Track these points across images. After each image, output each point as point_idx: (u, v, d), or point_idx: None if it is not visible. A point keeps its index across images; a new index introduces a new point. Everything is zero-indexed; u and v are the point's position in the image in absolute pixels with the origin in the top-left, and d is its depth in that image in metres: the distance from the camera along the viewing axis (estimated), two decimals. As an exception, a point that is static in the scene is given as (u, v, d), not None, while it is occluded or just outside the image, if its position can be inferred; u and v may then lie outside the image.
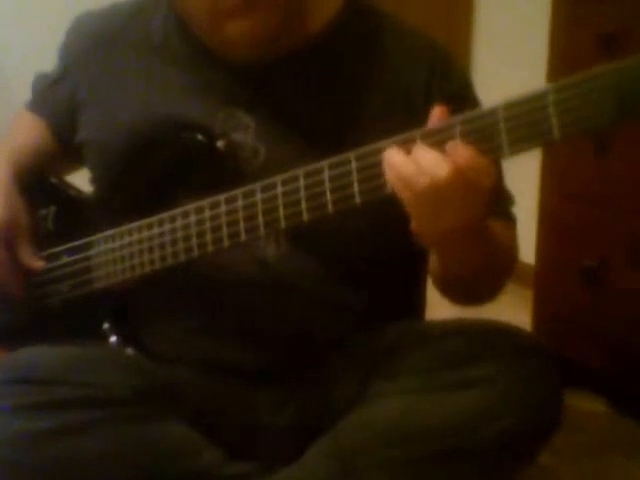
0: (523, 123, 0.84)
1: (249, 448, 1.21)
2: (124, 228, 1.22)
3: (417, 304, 1.36)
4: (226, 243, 1.10)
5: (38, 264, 1.30)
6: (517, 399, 1.03)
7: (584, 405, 1.84)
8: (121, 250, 1.22)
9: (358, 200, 0.98)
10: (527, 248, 2.02)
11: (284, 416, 1.23)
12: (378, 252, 1.20)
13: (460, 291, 1.18)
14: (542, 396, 1.05)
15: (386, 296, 1.24)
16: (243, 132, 1.20)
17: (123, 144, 1.24)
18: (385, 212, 1.14)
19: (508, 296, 2.07)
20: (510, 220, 1.26)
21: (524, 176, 2.05)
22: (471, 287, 1.16)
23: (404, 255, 1.23)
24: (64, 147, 1.40)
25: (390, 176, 0.94)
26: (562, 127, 0.80)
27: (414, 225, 0.97)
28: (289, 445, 1.19)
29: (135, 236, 1.20)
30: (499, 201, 1.23)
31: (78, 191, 1.39)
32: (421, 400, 1.05)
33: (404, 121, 0.98)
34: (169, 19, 1.28)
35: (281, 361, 1.21)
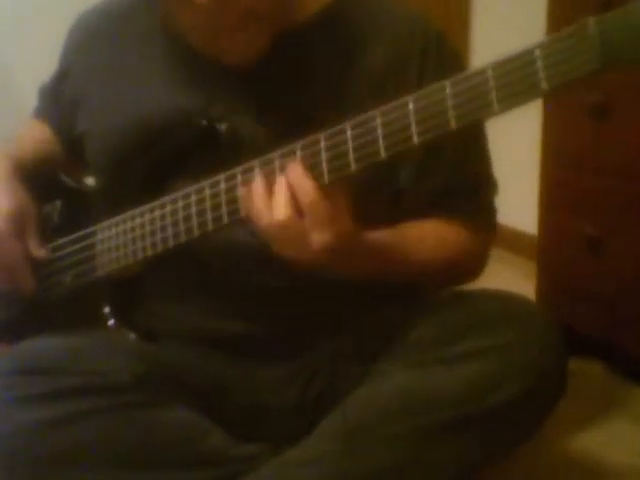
0: (512, 79, 0.85)
1: (254, 430, 1.22)
2: (126, 215, 1.23)
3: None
4: (225, 220, 1.10)
5: (45, 253, 1.30)
6: (521, 368, 1.04)
7: (588, 372, 1.84)
8: (124, 236, 1.23)
9: (353, 168, 0.98)
10: (530, 219, 2.03)
11: (288, 396, 1.24)
12: (366, 221, 1.20)
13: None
14: (546, 364, 1.05)
15: None
16: (238, 118, 1.21)
17: (124, 132, 1.26)
18: (369, 184, 1.17)
19: (512, 268, 2.09)
20: (477, 215, 1.26)
21: (525, 149, 2.06)
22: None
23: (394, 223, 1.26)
24: (70, 147, 1.42)
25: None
26: (550, 79, 0.82)
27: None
28: (294, 426, 1.20)
29: (137, 221, 1.22)
30: (468, 194, 1.24)
31: (82, 184, 1.40)
32: (425, 373, 1.06)
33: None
34: None
35: (282, 334, 1.23)
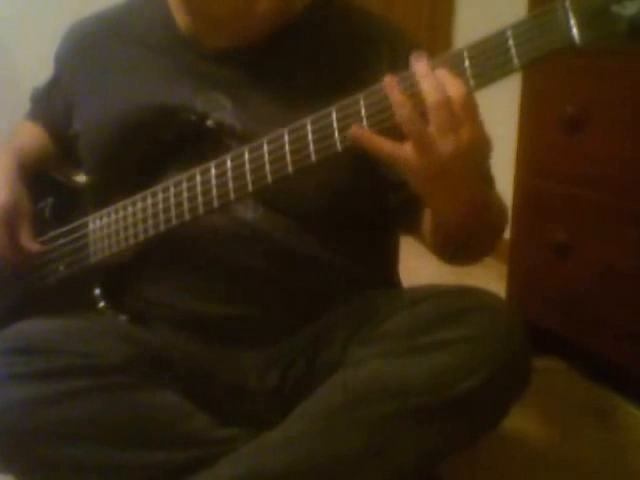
0: (486, 58, 0.92)
1: (235, 413, 1.25)
2: (117, 204, 1.28)
3: (392, 267, 1.42)
4: (216, 204, 1.16)
5: (36, 247, 1.34)
6: (487, 358, 1.06)
7: (553, 370, 1.88)
8: (116, 224, 1.28)
9: (339, 148, 1.04)
10: (505, 224, 2.08)
11: (269, 380, 1.27)
12: (345, 211, 1.26)
13: (453, 248, 1.22)
14: (511, 355, 1.08)
15: (362, 257, 1.30)
16: (221, 111, 1.26)
17: (114, 128, 1.31)
18: (350, 172, 1.22)
19: (485, 270, 2.13)
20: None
21: (500, 156, 2.10)
22: (465, 242, 1.19)
23: (374, 215, 1.31)
24: (63, 148, 1.46)
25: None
26: (520, 56, 0.89)
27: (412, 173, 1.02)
28: (273, 410, 1.24)
29: (129, 209, 1.26)
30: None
31: (74, 181, 1.45)
32: (398, 361, 1.09)
33: None
34: (155, 14, 1.36)
35: (265, 317, 1.27)
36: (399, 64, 1.20)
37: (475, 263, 1.28)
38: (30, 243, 1.34)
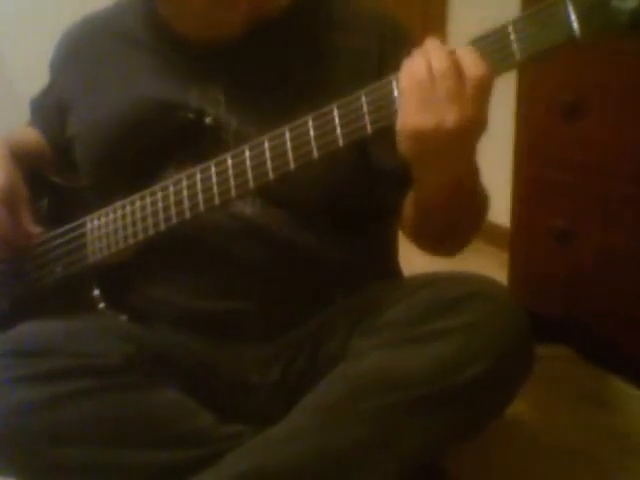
0: (488, 52, 0.93)
1: (238, 410, 1.25)
2: (116, 204, 1.27)
3: (392, 257, 1.42)
4: (217, 201, 1.15)
5: (36, 230, 1.33)
6: (489, 345, 1.06)
7: (556, 357, 1.88)
8: (114, 223, 1.27)
9: (341, 143, 1.04)
10: (504, 212, 2.09)
11: (271, 375, 1.27)
12: (343, 203, 1.26)
13: (433, 232, 1.22)
14: (514, 341, 1.08)
15: (361, 248, 1.30)
16: (215, 107, 1.26)
17: (111, 128, 1.30)
18: (348, 165, 1.22)
19: (486, 258, 2.14)
20: None
21: (499, 143, 2.11)
22: (445, 228, 1.19)
23: (372, 206, 1.31)
24: (59, 153, 1.45)
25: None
26: (522, 50, 0.90)
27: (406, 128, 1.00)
28: (276, 405, 1.23)
29: (128, 208, 1.26)
30: None
31: (71, 182, 1.44)
32: (397, 352, 1.08)
33: (362, 87, 1.05)
34: (142, 11, 1.36)
35: (266, 312, 1.26)
36: (388, 54, 1.23)
37: (453, 254, 1.28)
38: (32, 226, 1.33)
